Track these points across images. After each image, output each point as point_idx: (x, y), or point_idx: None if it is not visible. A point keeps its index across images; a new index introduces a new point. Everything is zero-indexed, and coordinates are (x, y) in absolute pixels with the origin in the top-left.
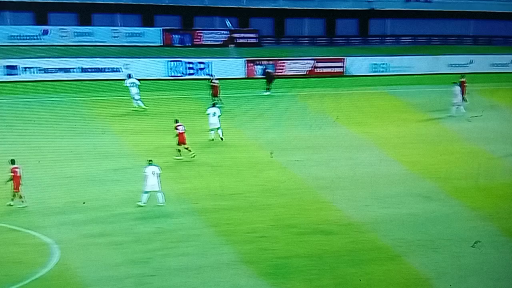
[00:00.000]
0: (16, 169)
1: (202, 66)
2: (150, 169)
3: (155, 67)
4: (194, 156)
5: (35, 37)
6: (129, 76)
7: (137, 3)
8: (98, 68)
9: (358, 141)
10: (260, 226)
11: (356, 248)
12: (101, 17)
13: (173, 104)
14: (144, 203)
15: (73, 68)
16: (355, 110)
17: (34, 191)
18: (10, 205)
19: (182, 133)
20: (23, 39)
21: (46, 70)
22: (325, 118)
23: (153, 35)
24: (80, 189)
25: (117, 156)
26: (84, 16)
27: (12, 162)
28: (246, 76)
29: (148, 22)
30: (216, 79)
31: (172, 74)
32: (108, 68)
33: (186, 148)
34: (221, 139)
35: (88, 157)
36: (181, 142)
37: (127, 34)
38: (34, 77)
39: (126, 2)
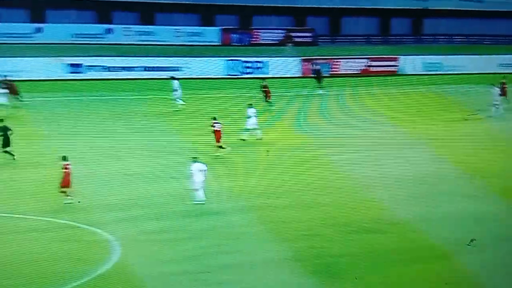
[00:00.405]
0: (68, 166)
1: (259, 65)
2: (196, 167)
3: (214, 66)
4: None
5: (99, 36)
6: (173, 78)
7: (198, 3)
8: (160, 67)
9: (407, 139)
10: (309, 224)
11: (404, 247)
12: (163, 16)
13: (228, 102)
14: (198, 201)
15: (136, 67)
16: (406, 109)
17: (94, 188)
18: (70, 203)
19: (218, 130)
20: (87, 37)
21: (109, 69)
22: (376, 116)
23: (212, 34)
24: (138, 186)
25: (174, 153)
26: (147, 15)
27: (64, 158)
28: (302, 75)
29: (208, 21)
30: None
31: (230, 73)
32: (169, 67)
33: (218, 147)
34: (259, 139)
35: (146, 155)
36: (218, 139)
37: (188, 33)
38: (98, 76)
39: (187, 1)
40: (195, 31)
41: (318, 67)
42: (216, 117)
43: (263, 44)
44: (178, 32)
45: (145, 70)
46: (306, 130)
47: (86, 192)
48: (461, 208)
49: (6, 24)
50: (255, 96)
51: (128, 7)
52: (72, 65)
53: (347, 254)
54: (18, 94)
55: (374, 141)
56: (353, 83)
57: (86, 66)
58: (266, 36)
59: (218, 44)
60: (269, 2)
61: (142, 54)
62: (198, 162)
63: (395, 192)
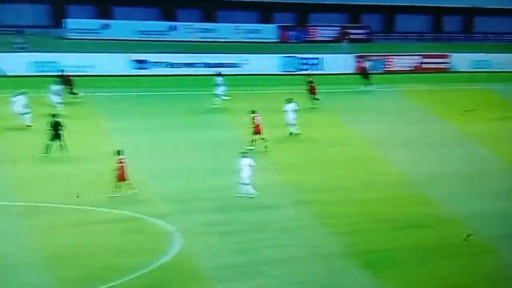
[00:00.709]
0: (123, 160)
1: (315, 61)
2: (244, 161)
3: (270, 63)
4: (253, 148)
5: (163, 33)
6: (219, 74)
7: (257, 0)
8: (220, 64)
9: (457, 137)
10: (360, 220)
11: (452, 242)
12: (224, 14)
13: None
14: (251, 195)
15: (197, 63)
16: (456, 106)
17: (156, 181)
18: (115, 196)
19: (258, 124)
20: (152, 34)
21: (173, 65)
22: (426, 113)
23: (270, 31)
24: (198, 180)
25: (232, 148)
26: (209, 12)
27: (119, 153)
28: (356, 72)
29: (266, 19)
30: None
31: (286, 70)
32: (229, 63)
33: (253, 141)
34: (294, 134)
35: (207, 149)
36: (257, 132)
37: (247, 30)
38: (162, 72)
39: None
40: (253, 28)
41: (365, 64)
42: (256, 110)
43: (319, 41)
44: (237, 29)
45: (206, 66)
46: (357, 127)
47: (148, 185)
48: (508, 204)
49: (75, 20)
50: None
51: (191, 4)
52: (138, 61)
53: (395, 249)
54: (72, 88)
55: (424, 138)
56: (405, 80)
57: (151, 62)
58: (322, 33)
59: (276, 41)
60: (325, 0)
61: (204, 51)
62: (247, 157)
63: (443, 188)
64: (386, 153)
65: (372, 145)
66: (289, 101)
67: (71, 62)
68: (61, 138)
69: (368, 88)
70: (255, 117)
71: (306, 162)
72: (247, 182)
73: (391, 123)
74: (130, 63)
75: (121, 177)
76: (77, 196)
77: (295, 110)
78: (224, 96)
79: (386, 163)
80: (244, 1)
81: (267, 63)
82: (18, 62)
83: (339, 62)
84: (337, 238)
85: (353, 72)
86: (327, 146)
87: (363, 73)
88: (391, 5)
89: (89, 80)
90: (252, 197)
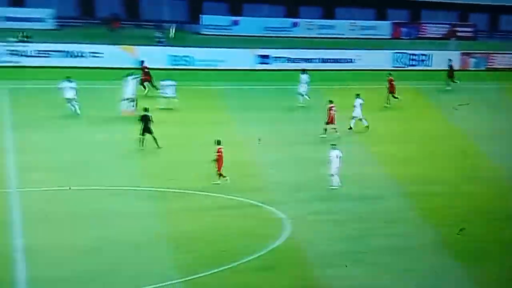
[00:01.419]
0: (221, 149)
1: (423, 58)
2: (334, 153)
3: (383, 58)
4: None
5: (286, 29)
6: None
7: None
8: (335, 59)
9: None
10: (460, 211)
11: None
12: (342, 11)
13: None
14: (335, 186)
15: (314, 59)
16: None
17: (272, 171)
18: (217, 183)
19: (333, 114)
20: (276, 30)
21: (293, 60)
22: None
23: (384, 28)
24: (309, 170)
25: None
26: (328, 10)
27: (218, 143)
28: (461, 68)
29: (381, 15)
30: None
31: (397, 65)
32: (343, 58)
33: (325, 130)
34: (366, 126)
35: (318, 141)
36: (330, 122)
37: (362, 27)
38: (282, 66)
39: None
40: (368, 25)
41: (451, 63)
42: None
43: (429, 37)
44: (353, 25)
45: (322, 61)
46: (459, 122)
47: (264, 174)
48: None
49: (210, 16)
50: (422, 88)
51: (312, 2)
52: (261, 56)
53: (491, 241)
54: (151, 82)
55: None
56: (508, 77)
57: (273, 57)
58: (433, 30)
59: (389, 37)
60: None
61: (320, 47)
62: (336, 149)
63: None
64: (489, 147)
65: (475, 139)
66: (358, 96)
67: (202, 56)
68: (151, 131)
69: (450, 87)
70: (331, 108)
71: (409, 155)
72: (334, 173)
73: (493, 119)
74: (255, 58)
75: (219, 166)
76: (203, 182)
77: (361, 104)
78: (306, 95)
79: (489, 157)
80: None
81: (379, 59)
82: (157, 55)
83: (445, 59)
84: (435, 229)
85: (459, 68)
86: (429, 140)
87: (450, 70)
88: (497, 5)
89: (219, 74)
90: (336, 188)
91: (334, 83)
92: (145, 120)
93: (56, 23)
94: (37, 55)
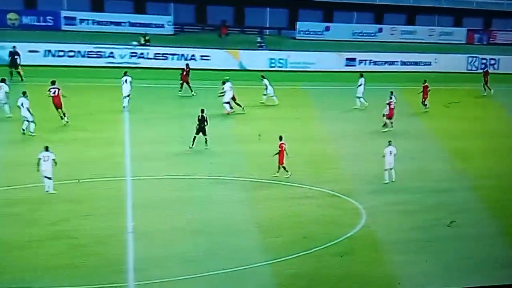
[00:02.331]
0: (283, 145)
1: (492, 62)
2: (388, 149)
3: (458, 62)
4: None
5: (372, 34)
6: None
7: (450, 7)
8: (414, 62)
9: None
10: None
11: None
12: (422, 18)
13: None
14: (386, 180)
15: (395, 61)
16: None
17: (350, 164)
18: (275, 176)
19: (392, 108)
20: (363, 35)
21: (375, 63)
22: None
23: (460, 34)
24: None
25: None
26: (410, 17)
27: (280, 138)
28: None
29: (457, 23)
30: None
31: (470, 68)
32: (422, 61)
33: (385, 124)
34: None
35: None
36: (389, 116)
37: (440, 33)
38: (367, 68)
39: (443, 5)
40: (446, 31)
41: (486, 69)
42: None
43: (499, 43)
44: (432, 31)
45: (402, 64)
46: None
47: (342, 167)
48: None
49: (304, 22)
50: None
51: (396, 9)
52: (348, 59)
53: None
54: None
55: None
56: None
57: (359, 60)
58: (502, 37)
59: (463, 43)
60: (508, 8)
61: (402, 50)
62: (391, 145)
63: None
64: None
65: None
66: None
67: (297, 59)
68: (205, 132)
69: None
70: (390, 103)
71: (476, 151)
72: (389, 168)
73: None
74: (343, 61)
75: (281, 160)
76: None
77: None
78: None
79: None
80: (440, 8)
81: (454, 62)
82: (257, 58)
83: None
84: (496, 220)
85: None
86: (494, 137)
87: (485, 74)
88: None
89: (309, 75)
90: (388, 183)
91: (412, 84)
92: (201, 121)
93: (174, 29)
94: (155, 57)
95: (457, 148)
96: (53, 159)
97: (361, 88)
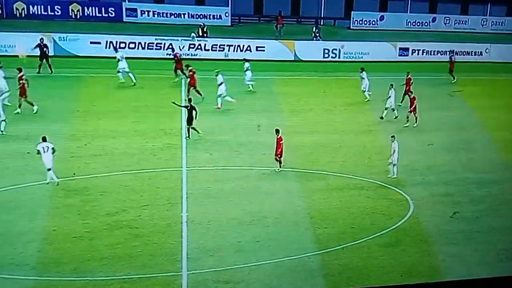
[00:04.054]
0: (280, 138)
1: None
2: (394, 144)
3: (510, 51)
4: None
5: (425, 24)
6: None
7: None
8: (466, 51)
9: None
10: None
11: None
12: (475, 7)
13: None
14: (394, 176)
15: (445, 51)
16: None
17: (403, 155)
18: (276, 171)
19: (415, 103)
20: (416, 24)
21: (427, 52)
22: None
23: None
24: (433, 156)
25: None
26: (464, 6)
27: (277, 132)
28: None
29: (510, 13)
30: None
31: None
32: (473, 51)
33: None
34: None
35: (446, 127)
36: (413, 110)
37: (492, 22)
38: (420, 58)
39: None
40: (497, 20)
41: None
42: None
43: None
44: (484, 21)
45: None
46: None
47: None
48: None
49: (360, 12)
50: None
51: None
52: (402, 48)
53: None
54: (182, 70)
55: None
56: None
57: (412, 49)
58: None
59: None
60: None
61: (452, 40)
62: (395, 141)
63: None
64: None
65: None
66: (390, 87)
67: (351, 49)
68: (192, 123)
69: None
70: (414, 98)
71: None
72: (392, 162)
73: None
74: (396, 51)
75: (279, 153)
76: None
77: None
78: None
79: None
80: None
81: (506, 52)
82: (312, 49)
83: None
84: None
85: None
86: None
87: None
88: None
89: (363, 65)
90: (394, 178)
91: (464, 74)
92: (190, 111)
93: (231, 20)
94: (213, 48)
95: (505, 139)
96: (52, 148)
97: (365, 81)
